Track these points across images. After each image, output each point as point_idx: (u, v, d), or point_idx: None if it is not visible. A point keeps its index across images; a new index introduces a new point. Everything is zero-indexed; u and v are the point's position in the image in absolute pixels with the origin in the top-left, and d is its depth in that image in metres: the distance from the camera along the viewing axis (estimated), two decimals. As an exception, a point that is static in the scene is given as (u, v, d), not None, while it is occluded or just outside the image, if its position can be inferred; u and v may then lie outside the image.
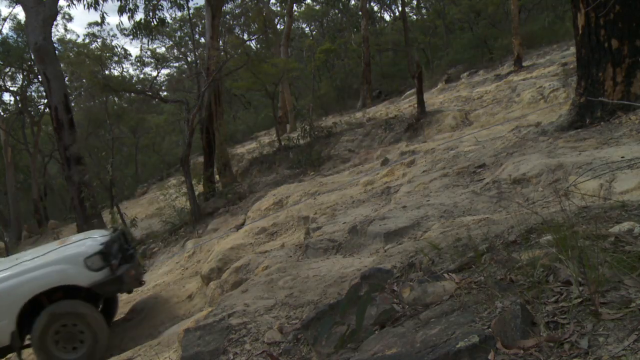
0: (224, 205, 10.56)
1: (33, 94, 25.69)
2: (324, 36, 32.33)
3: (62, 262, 5.24)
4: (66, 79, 15.92)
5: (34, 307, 5.15)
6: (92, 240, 5.75)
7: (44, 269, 5.17)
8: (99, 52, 23.81)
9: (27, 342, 5.39)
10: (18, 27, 22.48)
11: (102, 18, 17.68)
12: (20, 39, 22.14)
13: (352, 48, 26.07)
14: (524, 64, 14.40)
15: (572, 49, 12.45)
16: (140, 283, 6.16)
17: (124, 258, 5.84)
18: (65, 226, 18.30)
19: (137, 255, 6.53)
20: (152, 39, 20.37)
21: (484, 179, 4.59)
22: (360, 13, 24.34)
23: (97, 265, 5.27)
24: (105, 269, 5.32)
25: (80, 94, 27.45)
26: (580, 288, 1.47)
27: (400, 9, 25.02)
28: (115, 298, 6.42)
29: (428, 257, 2.40)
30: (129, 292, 6.15)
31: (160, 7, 14.58)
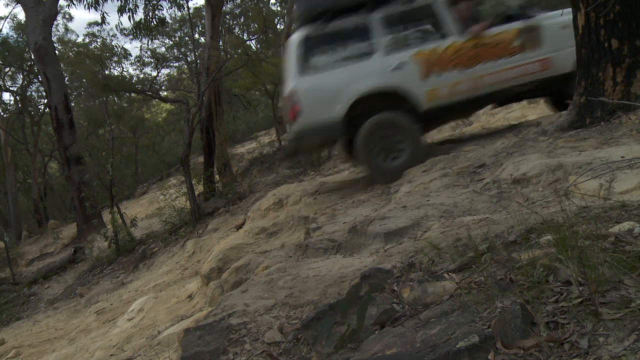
0: (223, 205, 10.56)
1: (33, 94, 25.69)
2: (324, 36, 32.28)
3: None
4: (66, 79, 15.92)
5: None
6: None
7: None
8: (98, 52, 23.80)
9: None
10: (18, 27, 22.48)
11: (103, 18, 17.66)
12: (20, 39, 22.15)
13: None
14: (524, 64, 14.38)
15: (572, 49, 12.40)
16: None
17: None
18: (65, 226, 18.31)
19: None
20: (152, 39, 20.34)
21: (484, 178, 4.59)
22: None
23: None
24: None
25: (80, 94, 27.44)
26: (580, 288, 1.47)
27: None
28: None
29: (428, 257, 2.40)
30: None
31: (160, 7, 14.55)
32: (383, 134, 5.64)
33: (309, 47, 5.82)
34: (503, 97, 6.15)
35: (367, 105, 5.62)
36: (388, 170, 5.58)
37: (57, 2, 12.63)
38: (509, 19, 5.91)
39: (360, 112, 5.61)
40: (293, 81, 5.75)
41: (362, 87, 5.61)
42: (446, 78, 5.68)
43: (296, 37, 5.91)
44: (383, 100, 5.65)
